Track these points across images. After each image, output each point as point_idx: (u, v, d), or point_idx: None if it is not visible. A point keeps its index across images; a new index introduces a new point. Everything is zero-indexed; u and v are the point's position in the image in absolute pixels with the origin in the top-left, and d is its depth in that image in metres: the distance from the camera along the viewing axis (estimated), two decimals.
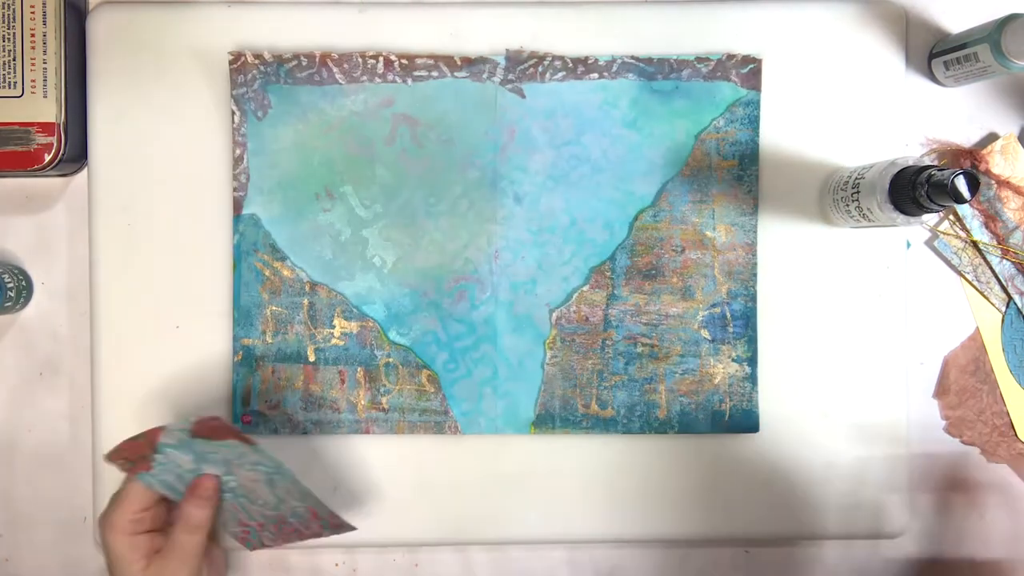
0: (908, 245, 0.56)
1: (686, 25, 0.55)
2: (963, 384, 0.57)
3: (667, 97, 0.55)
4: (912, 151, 0.57)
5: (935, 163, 0.55)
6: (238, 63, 0.54)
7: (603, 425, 0.55)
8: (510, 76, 0.54)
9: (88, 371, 0.55)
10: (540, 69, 0.54)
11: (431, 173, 0.55)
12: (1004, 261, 0.56)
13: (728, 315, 0.55)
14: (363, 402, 0.54)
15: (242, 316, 0.54)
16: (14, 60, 0.52)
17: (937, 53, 0.55)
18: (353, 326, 0.54)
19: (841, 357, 0.55)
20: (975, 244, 0.56)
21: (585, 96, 0.55)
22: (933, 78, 0.57)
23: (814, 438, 0.55)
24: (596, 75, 0.55)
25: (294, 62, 0.54)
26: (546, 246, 0.55)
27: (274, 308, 0.54)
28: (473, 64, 0.54)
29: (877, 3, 0.55)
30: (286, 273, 0.54)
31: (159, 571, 0.47)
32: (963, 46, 0.52)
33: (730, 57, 0.55)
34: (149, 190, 0.54)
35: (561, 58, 0.54)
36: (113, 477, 0.49)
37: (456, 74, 0.54)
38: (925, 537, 0.57)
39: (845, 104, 0.55)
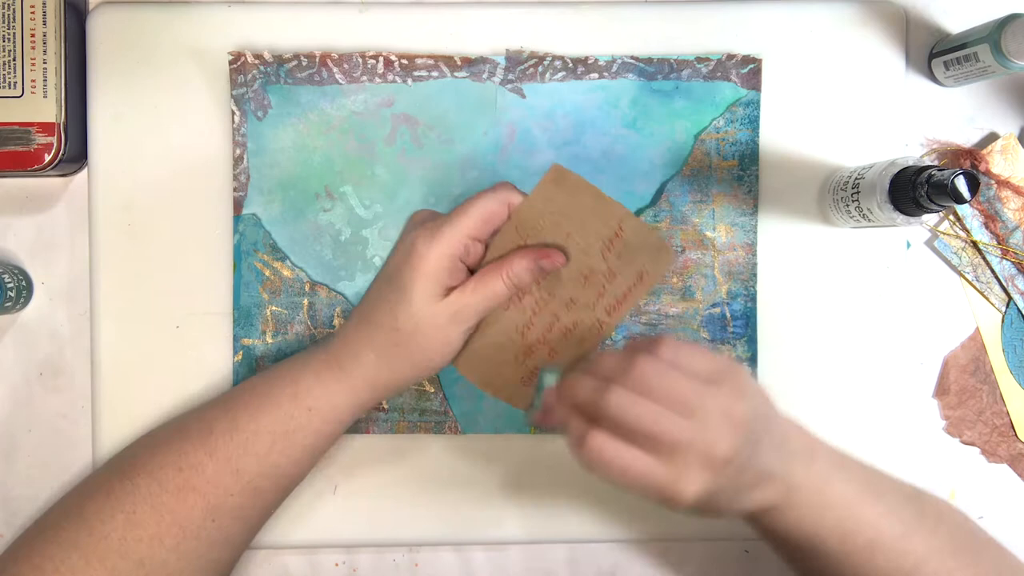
0: (908, 245, 0.56)
1: (686, 25, 0.55)
2: (963, 384, 0.57)
3: (667, 97, 0.55)
4: (912, 151, 0.57)
5: (935, 163, 0.55)
6: (238, 63, 0.54)
7: None
8: (510, 76, 0.54)
9: (88, 371, 0.55)
10: (540, 69, 0.54)
11: (431, 173, 0.55)
12: (1004, 261, 0.56)
13: (728, 315, 0.55)
14: None
15: (242, 316, 0.54)
16: (14, 60, 0.52)
17: (937, 53, 0.55)
18: None
19: (841, 357, 0.55)
20: (975, 244, 0.56)
21: (585, 96, 0.55)
22: (933, 78, 0.57)
23: None
24: (596, 75, 0.55)
25: (294, 62, 0.54)
26: None
27: (274, 308, 0.54)
28: (473, 64, 0.54)
29: (877, 3, 0.55)
30: (286, 273, 0.54)
31: (458, 303, 0.44)
32: (963, 46, 0.52)
33: (730, 57, 0.55)
34: (149, 190, 0.54)
35: (561, 58, 0.54)
36: None
37: (456, 74, 0.54)
38: None
39: (845, 104, 0.55)
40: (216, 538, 0.45)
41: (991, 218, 0.56)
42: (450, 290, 0.45)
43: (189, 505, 0.44)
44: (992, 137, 0.57)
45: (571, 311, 0.47)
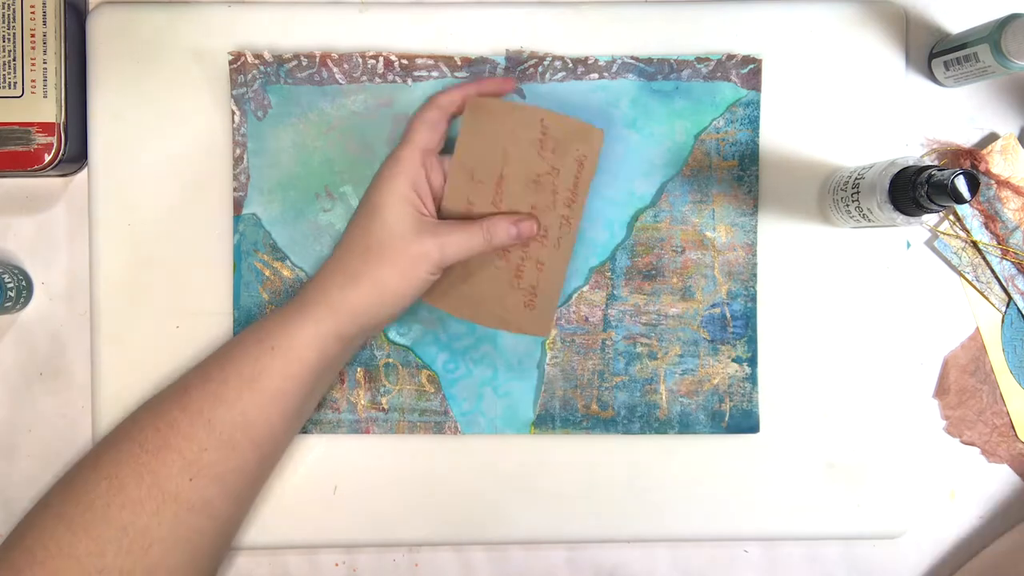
0: (908, 245, 0.56)
1: (686, 25, 0.55)
2: (963, 384, 0.57)
3: (667, 97, 0.55)
4: (912, 151, 0.57)
5: (935, 163, 0.55)
6: (238, 63, 0.54)
7: (603, 425, 0.55)
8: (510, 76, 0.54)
9: (88, 371, 0.55)
10: (540, 69, 0.54)
11: None
12: (1004, 261, 0.56)
13: (728, 315, 0.55)
14: (363, 402, 0.54)
15: (242, 316, 0.54)
16: (14, 60, 0.52)
17: (937, 53, 0.55)
18: None
19: (841, 357, 0.55)
20: (975, 244, 0.56)
21: (585, 96, 0.55)
22: (933, 78, 0.57)
23: (814, 438, 0.55)
24: (596, 75, 0.55)
25: (294, 62, 0.54)
26: None
27: (274, 308, 0.54)
28: (473, 64, 0.54)
29: (877, 3, 0.55)
30: (286, 273, 0.54)
31: (441, 233, 0.48)
32: (963, 46, 0.52)
33: (730, 57, 0.55)
34: (149, 190, 0.54)
35: (561, 58, 0.54)
36: None
37: (456, 74, 0.54)
38: (925, 537, 0.57)
39: (845, 104, 0.55)
40: (195, 501, 0.45)
41: (991, 218, 0.56)
42: (420, 214, 0.48)
43: (167, 464, 0.45)
44: (992, 137, 0.57)
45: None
